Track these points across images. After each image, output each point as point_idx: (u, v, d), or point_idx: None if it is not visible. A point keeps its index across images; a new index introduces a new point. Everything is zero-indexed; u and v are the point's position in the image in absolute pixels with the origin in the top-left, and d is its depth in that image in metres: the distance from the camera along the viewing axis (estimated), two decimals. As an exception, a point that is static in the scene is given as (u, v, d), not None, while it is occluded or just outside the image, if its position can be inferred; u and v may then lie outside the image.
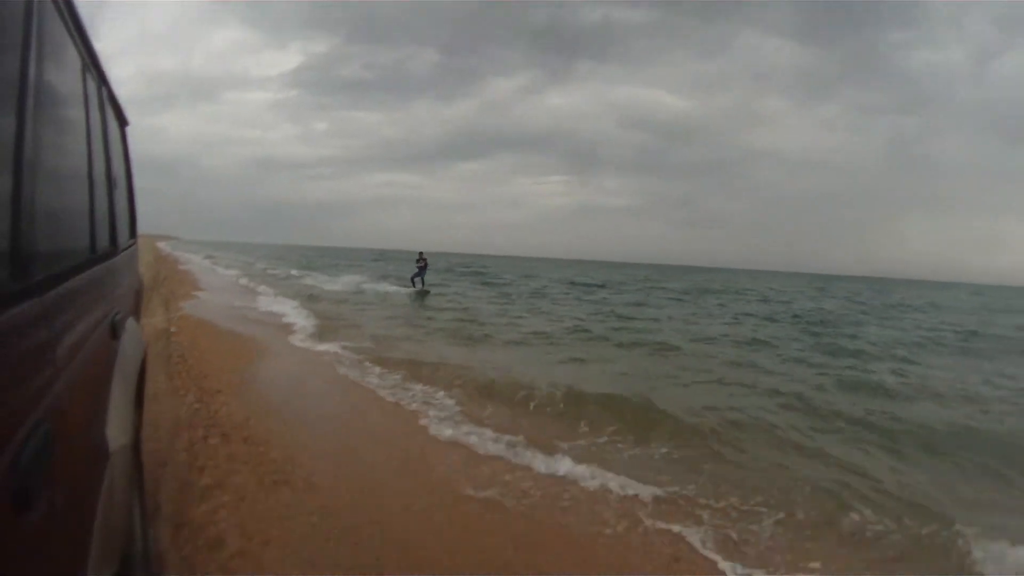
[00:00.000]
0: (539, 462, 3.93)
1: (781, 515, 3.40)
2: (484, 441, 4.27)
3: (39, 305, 0.81)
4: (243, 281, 18.64)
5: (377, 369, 6.46)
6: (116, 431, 1.29)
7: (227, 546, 2.46)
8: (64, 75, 1.16)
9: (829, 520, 3.42)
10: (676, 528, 3.15)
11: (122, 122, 2.38)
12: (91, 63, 1.54)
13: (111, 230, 1.77)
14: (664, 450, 4.47)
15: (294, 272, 25.46)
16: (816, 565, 2.90)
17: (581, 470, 3.82)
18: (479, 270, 40.34)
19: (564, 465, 3.88)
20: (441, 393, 5.56)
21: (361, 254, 78.86)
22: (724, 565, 2.85)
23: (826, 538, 3.23)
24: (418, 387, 5.75)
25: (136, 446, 1.73)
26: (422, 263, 20.06)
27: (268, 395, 5.08)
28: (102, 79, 1.77)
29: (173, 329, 7.58)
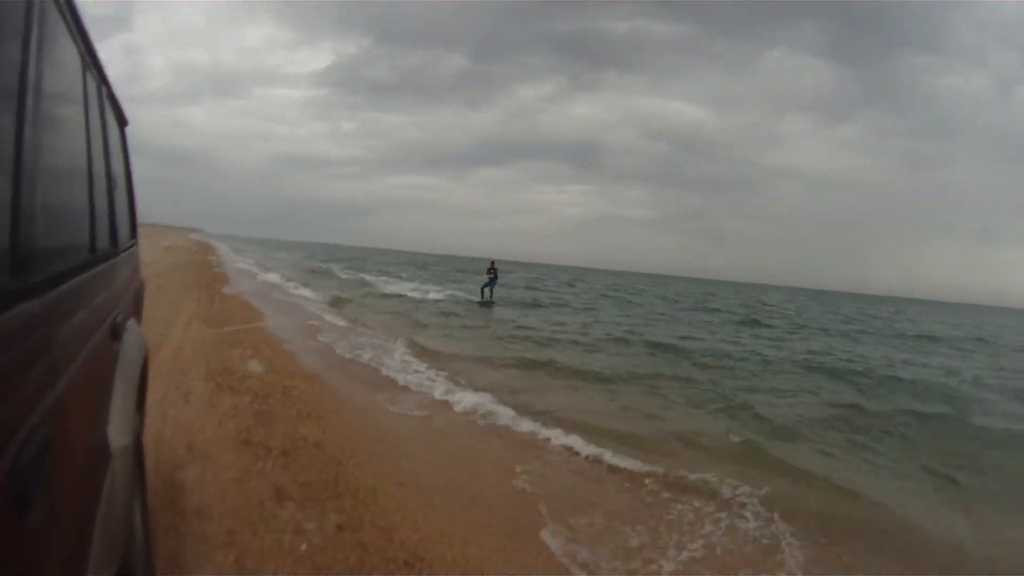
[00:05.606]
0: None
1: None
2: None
3: (39, 306, 0.80)
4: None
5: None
6: (117, 432, 1.29)
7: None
8: (64, 75, 1.15)
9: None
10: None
11: (122, 122, 2.37)
12: (91, 63, 1.54)
13: (111, 230, 1.77)
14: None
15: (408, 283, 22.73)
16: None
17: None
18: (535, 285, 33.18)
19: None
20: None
21: (394, 256, 76.93)
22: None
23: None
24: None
25: (138, 446, 1.73)
26: (492, 273, 19.19)
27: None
28: (102, 79, 1.76)
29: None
